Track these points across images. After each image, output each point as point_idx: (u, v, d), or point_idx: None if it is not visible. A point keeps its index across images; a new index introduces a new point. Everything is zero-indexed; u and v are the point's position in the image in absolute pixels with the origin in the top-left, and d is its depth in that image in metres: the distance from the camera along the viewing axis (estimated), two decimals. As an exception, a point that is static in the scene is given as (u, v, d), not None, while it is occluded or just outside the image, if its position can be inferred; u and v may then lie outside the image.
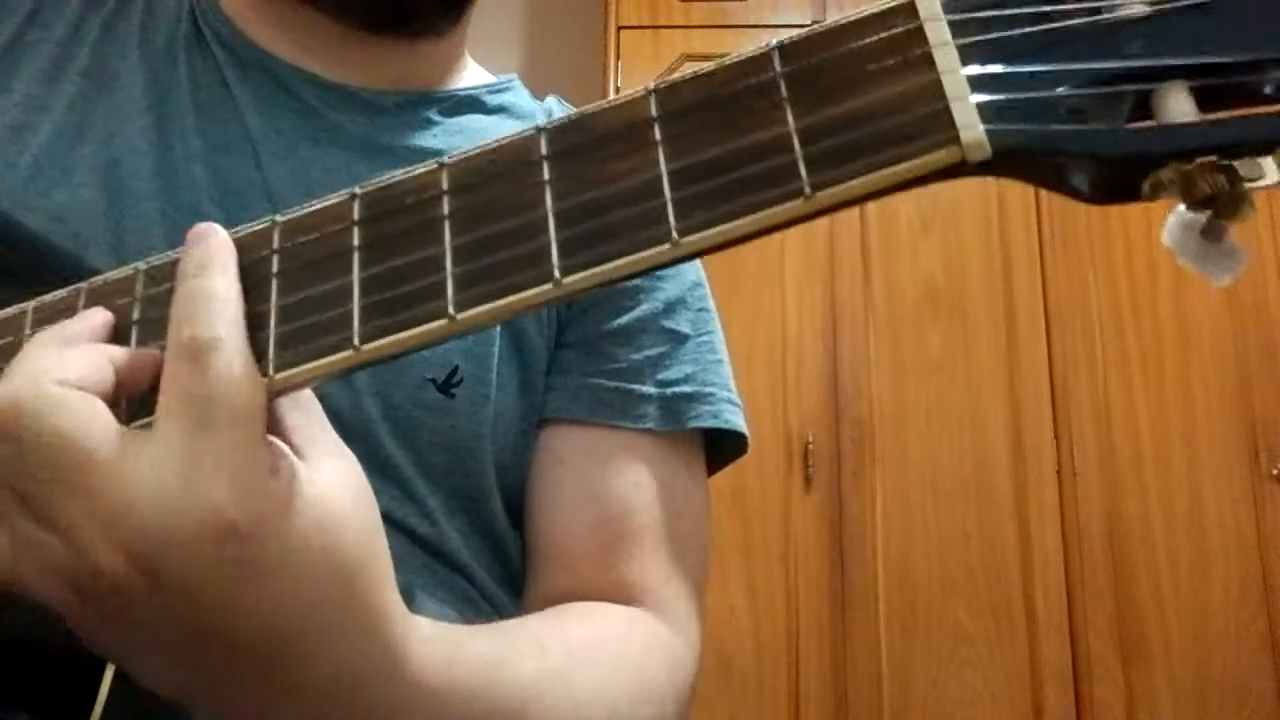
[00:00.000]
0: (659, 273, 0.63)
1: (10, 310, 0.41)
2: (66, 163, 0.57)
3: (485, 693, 0.43)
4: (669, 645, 0.58)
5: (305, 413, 0.37)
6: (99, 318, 0.37)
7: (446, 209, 0.35)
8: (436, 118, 0.65)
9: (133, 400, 0.36)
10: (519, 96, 0.70)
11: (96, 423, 0.32)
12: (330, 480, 0.36)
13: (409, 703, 0.39)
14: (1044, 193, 1.95)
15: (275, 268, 0.37)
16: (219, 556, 0.32)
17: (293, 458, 0.35)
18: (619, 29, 2.35)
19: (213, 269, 0.35)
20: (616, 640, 0.55)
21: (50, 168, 0.57)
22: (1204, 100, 0.25)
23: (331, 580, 0.35)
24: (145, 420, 0.35)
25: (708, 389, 0.63)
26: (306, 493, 0.34)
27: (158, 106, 0.60)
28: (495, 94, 0.68)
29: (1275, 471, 2.07)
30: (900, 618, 2.06)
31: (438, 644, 0.41)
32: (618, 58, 2.32)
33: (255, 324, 0.35)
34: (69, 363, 0.34)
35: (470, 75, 0.70)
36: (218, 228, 0.37)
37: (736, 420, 0.64)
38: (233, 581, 0.32)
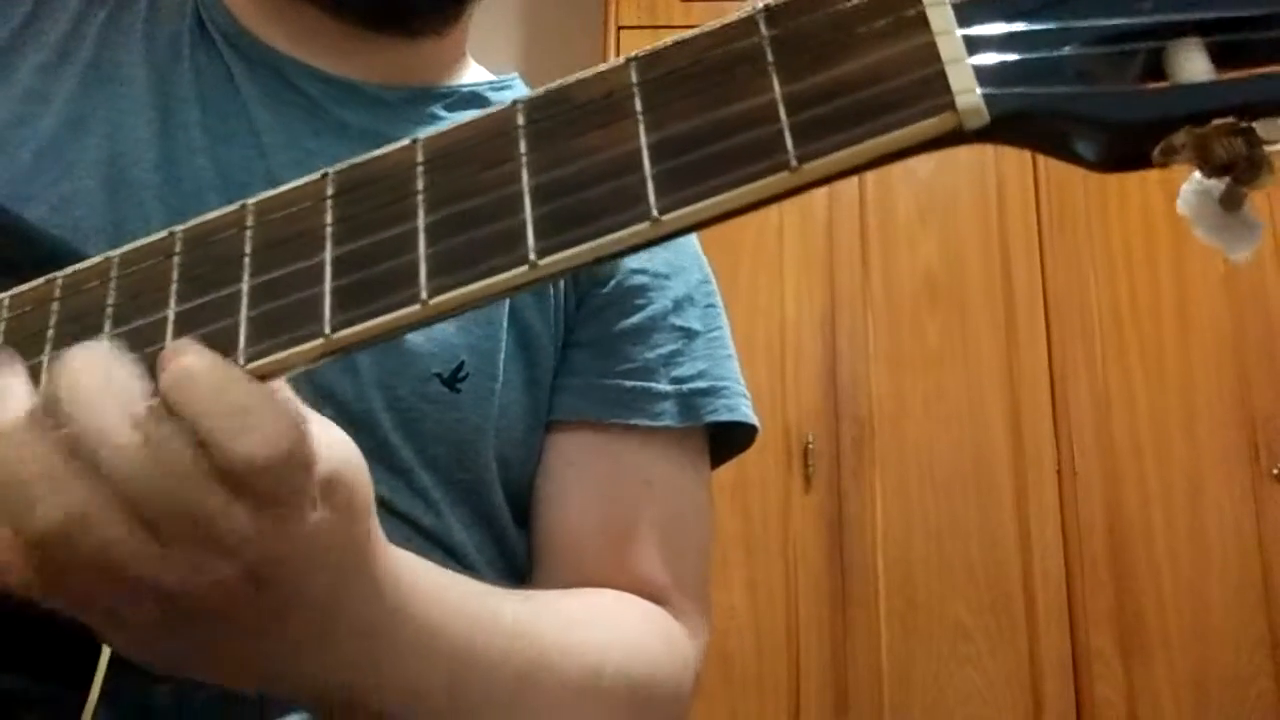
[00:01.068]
0: (666, 271, 0.65)
1: None
2: (69, 154, 0.57)
3: (476, 612, 0.45)
4: (667, 624, 0.58)
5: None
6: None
7: (420, 186, 0.33)
8: (441, 113, 0.65)
9: None
10: (520, 93, 0.70)
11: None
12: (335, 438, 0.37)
13: (405, 645, 0.41)
14: (1043, 185, 1.93)
15: (247, 247, 0.35)
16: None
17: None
18: (619, 29, 2.34)
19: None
20: (610, 609, 0.56)
21: (52, 159, 0.57)
22: (1220, 58, 0.23)
23: (347, 548, 0.37)
24: None
25: (722, 383, 0.64)
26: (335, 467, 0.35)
27: (161, 100, 0.60)
28: (498, 91, 0.69)
29: (1275, 470, 2.05)
30: (900, 614, 2.05)
31: (423, 577, 0.43)
32: (618, 58, 2.30)
33: (225, 308, 0.34)
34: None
35: (472, 73, 0.70)
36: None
37: (750, 413, 0.65)
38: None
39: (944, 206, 2.21)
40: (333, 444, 0.36)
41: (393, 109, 0.63)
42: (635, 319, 0.63)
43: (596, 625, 0.53)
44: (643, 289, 0.63)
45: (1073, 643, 2.03)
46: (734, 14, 0.29)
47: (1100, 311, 2.16)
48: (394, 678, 0.40)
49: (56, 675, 0.41)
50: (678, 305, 0.64)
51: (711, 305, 0.67)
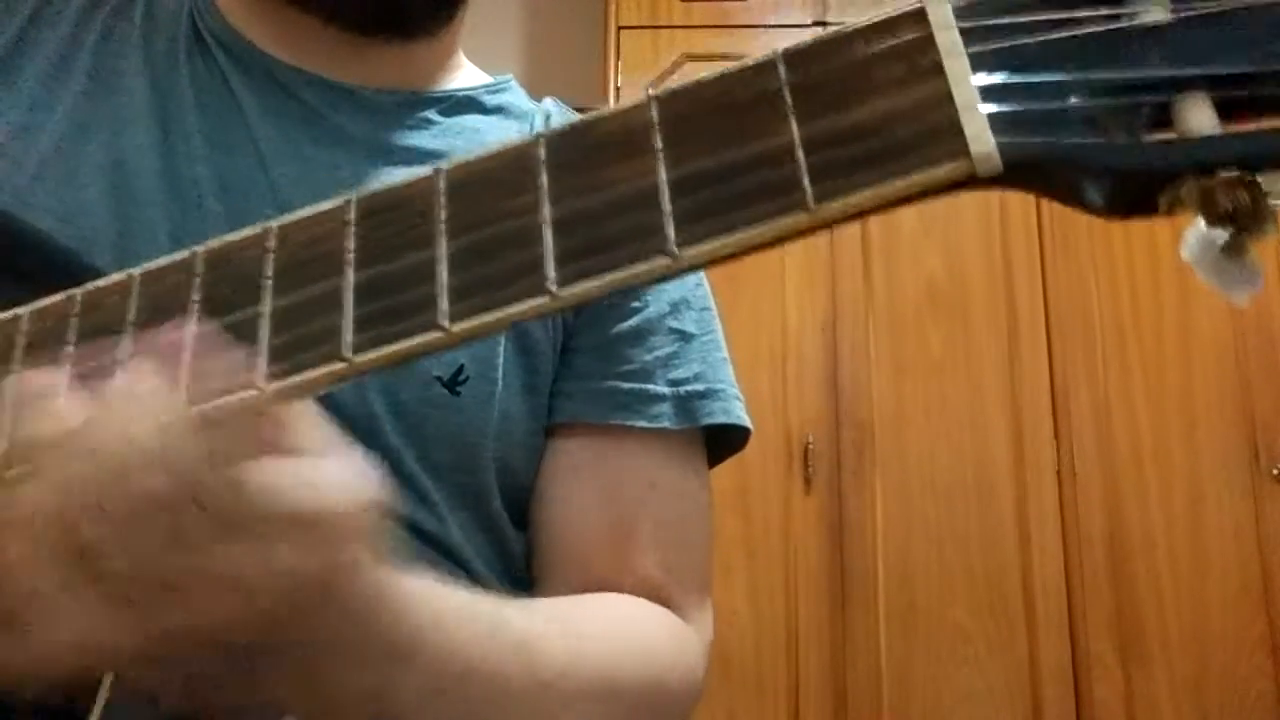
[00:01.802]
0: None
1: (4, 315, 0.40)
2: (72, 163, 0.58)
3: (488, 631, 0.44)
4: (675, 627, 0.59)
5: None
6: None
7: (443, 215, 0.34)
8: (436, 118, 0.65)
9: None
10: (516, 97, 0.70)
11: None
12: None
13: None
14: (1046, 193, 1.94)
15: (269, 269, 0.36)
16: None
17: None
18: (619, 29, 2.34)
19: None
20: (620, 616, 0.57)
21: (56, 168, 0.57)
22: (1226, 111, 0.24)
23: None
24: None
25: (717, 386, 0.64)
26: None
27: (161, 108, 0.60)
28: (493, 94, 0.69)
29: (1275, 471, 2.06)
30: (900, 617, 2.06)
31: (442, 593, 0.43)
32: (618, 58, 2.31)
33: (246, 329, 0.35)
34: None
35: (466, 75, 0.71)
36: None
37: (744, 415, 0.66)
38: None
39: (947, 216, 2.22)
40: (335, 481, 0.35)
41: (389, 114, 0.63)
42: (633, 321, 0.63)
43: (608, 635, 0.54)
44: (640, 291, 0.64)
45: (1072, 646, 2.03)
46: (754, 58, 0.29)
47: (1101, 318, 2.17)
48: (413, 701, 0.40)
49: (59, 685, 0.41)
50: (674, 308, 0.65)
51: (706, 308, 0.67)
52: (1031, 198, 1.89)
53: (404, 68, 0.65)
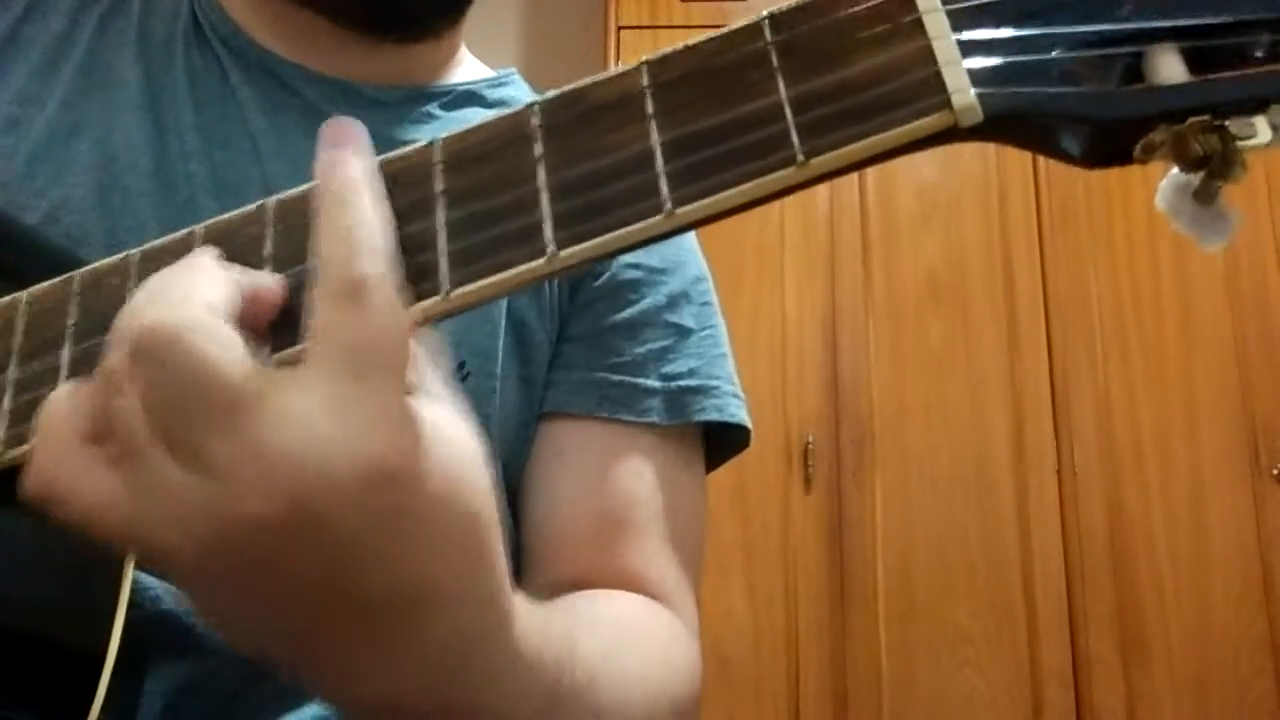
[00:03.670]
0: (662, 266, 0.64)
1: (3, 300, 0.41)
2: (61, 159, 0.57)
3: (566, 667, 0.41)
4: (678, 629, 0.58)
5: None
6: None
7: (440, 186, 0.34)
8: (437, 112, 0.65)
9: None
10: (519, 90, 0.70)
11: (248, 358, 0.30)
12: (459, 430, 0.33)
13: (503, 674, 0.37)
14: (1045, 185, 1.94)
15: (268, 246, 0.37)
16: (373, 504, 0.30)
17: (432, 404, 0.33)
18: (619, 29, 2.35)
19: (356, 199, 0.32)
20: (646, 626, 0.56)
21: (45, 164, 0.57)
22: (1194, 62, 0.25)
23: (466, 538, 0.33)
24: (291, 351, 0.33)
25: (712, 382, 0.63)
26: (449, 441, 0.32)
27: (154, 103, 0.60)
28: (495, 88, 0.69)
29: (1275, 471, 2.06)
30: (900, 617, 2.06)
31: (533, 615, 0.39)
32: (618, 58, 2.32)
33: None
34: (215, 289, 0.31)
35: (468, 69, 0.71)
36: (357, 133, 0.34)
37: (741, 414, 0.64)
38: (381, 530, 0.30)
39: (946, 207, 2.22)
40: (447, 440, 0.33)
41: (390, 110, 0.63)
42: (626, 314, 0.62)
43: (641, 648, 0.52)
44: (636, 284, 0.63)
45: (1073, 646, 2.03)
46: (740, 20, 0.30)
47: (1101, 312, 2.17)
48: (485, 702, 0.37)
49: (50, 711, 0.41)
50: (672, 302, 0.64)
51: (707, 304, 0.66)
52: (1031, 190, 1.89)
53: (407, 65, 0.65)
